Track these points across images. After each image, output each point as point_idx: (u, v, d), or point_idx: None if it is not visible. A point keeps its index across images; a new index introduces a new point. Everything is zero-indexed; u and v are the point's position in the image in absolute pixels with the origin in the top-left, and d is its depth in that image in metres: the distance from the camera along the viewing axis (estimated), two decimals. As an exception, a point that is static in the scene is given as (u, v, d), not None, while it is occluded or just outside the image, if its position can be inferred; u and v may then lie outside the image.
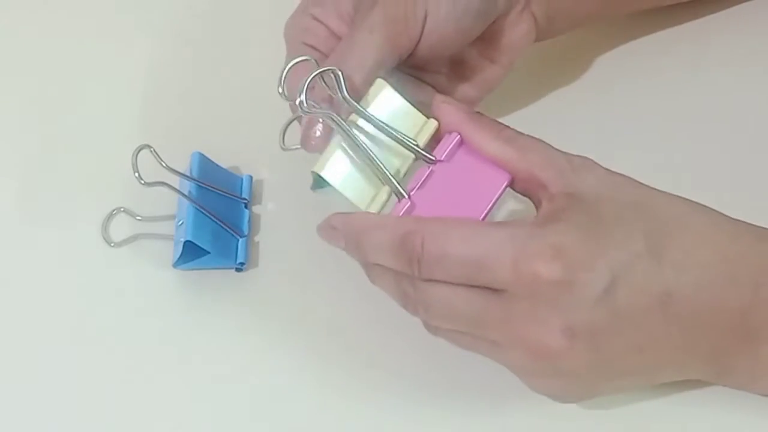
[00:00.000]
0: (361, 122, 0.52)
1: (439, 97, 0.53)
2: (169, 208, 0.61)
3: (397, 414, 0.55)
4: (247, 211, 0.62)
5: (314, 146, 0.52)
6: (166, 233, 0.61)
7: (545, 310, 0.47)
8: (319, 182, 0.54)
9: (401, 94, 0.53)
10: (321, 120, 0.52)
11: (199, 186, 0.61)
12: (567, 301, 0.46)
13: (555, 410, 0.52)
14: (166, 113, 0.68)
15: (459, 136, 0.51)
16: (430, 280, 0.48)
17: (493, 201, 0.51)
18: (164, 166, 0.58)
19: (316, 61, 0.52)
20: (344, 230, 0.51)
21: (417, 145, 0.52)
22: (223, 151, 0.64)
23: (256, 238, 0.62)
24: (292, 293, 0.60)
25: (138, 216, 0.63)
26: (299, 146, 0.54)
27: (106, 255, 0.62)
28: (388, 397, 0.55)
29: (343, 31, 0.56)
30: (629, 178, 0.50)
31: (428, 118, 0.52)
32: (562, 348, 0.47)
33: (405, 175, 0.52)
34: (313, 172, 0.52)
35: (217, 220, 0.60)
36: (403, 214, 0.51)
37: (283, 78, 0.51)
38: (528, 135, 0.51)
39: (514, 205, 0.59)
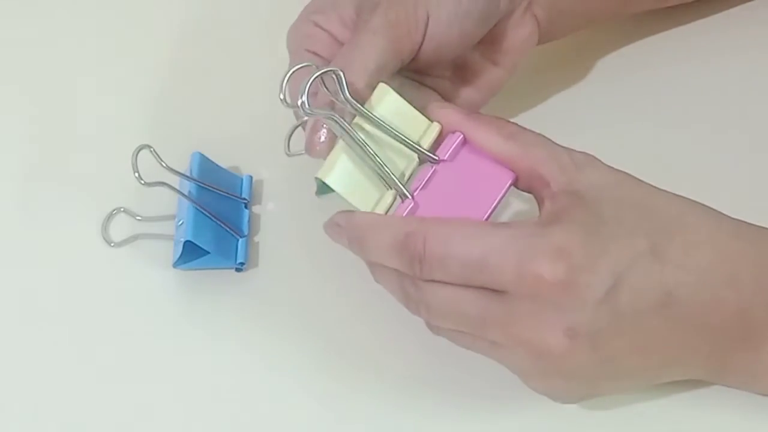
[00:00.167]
0: (365, 125, 0.51)
1: (435, 104, 0.53)
2: (169, 208, 0.61)
3: (398, 414, 0.55)
4: (247, 211, 0.62)
5: (319, 152, 0.52)
6: (166, 233, 0.61)
7: (547, 311, 0.47)
8: (324, 188, 0.54)
9: (404, 98, 0.52)
10: (324, 126, 0.52)
11: (199, 186, 0.61)
12: (569, 303, 0.46)
13: (555, 410, 0.52)
14: (166, 113, 0.68)
15: (462, 136, 0.51)
16: (432, 281, 0.48)
17: (497, 200, 0.51)
18: (164, 166, 0.58)
19: (317, 66, 0.52)
20: (347, 228, 0.51)
21: (419, 144, 0.51)
22: (223, 151, 0.64)
23: (256, 238, 0.62)
24: (292, 293, 0.60)
25: (138, 216, 0.63)
26: (304, 152, 0.54)
27: (106, 255, 0.62)
28: (389, 396, 0.55)
29: (346, 38, 0.56)
30: (630, 175, 0.50)
31: (431, 121, 0.52)
32: (564, 349, 0.47)
33: (409, 178, 0.52)
34: (317, 178, 0.52)
35: (217, 220, 0.60)
36: (406, 215, 0.51)
37: (284, 84, 0.51)
38: (530, 130, 0.51)
39: (518, 205, 0.59)
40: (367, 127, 0.51)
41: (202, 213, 0.59)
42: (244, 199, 0.63)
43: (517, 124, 0.51)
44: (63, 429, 0.56)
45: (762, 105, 0.65)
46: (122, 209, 0.63)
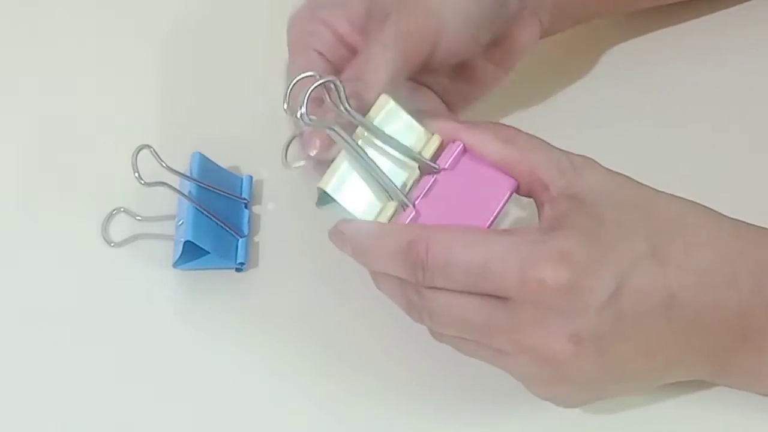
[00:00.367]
0: (365, 135, 0.51)
1: (431, 117, 0.53)
2: (169, 208, 0.61)
3: (398, 416, 0.55)
4: (247, 211, 0.62)
5: (318, 155, 0.52)
6: (166, 233, 0.61)
7: (551, 317, 0.47)
8: (325, 199, 0.54)
9: (405, 110, 0.52)
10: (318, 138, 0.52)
11: (199, 186, 0.61)
12: (573, 308, 0.46)
13: (557, 415, 0.52)
14: (166, 113, 0.68)
15: (462, 145, 0.51)
16: (435, 288, 0.48)
17: (499, 208, 0.50)
18: (164, 166, 0.58)
19: (317, 76, 0.52)
20: (350, 236, 0.51)
21: (420, 154, 0.51)
22: (223, 151, 0.64)
23: (256, 238, 0.62)
24: (292, 293, 0.59)
25: (138, 216, 0.63)
26: (302, 163, 0.54)
27: (106, 255, 0.62)
28: (389, 398, 0.55)
29: (353, 39, 0.55)
30: (629, 178, 0.50)
31: (432, 133, 0.52)
32: (568, 354, 0.47)
33: (410, 188, 0.52)
34: (318, 188, 0.52)
35: (217, 220, 0.60)
36: (408, 223, 0.51)
37: (287, 94, 0.51)
38: (528, 133, 0.51)
39: (517, 212, 0.59)
40: (368, 137, 0.51)
41: (202, 213, 0.59)
42: (244, 199, 0.63)
43: (514, 128, 0.51)
44: (63, 429, 0.56)
45: (762, 104, 0.65)
46: (122, 209, 0.63)
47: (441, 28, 0.54)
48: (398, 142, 0.51)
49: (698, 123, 0.64)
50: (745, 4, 0.69)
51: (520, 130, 0.51)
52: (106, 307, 0.60)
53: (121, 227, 0.62)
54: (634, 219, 0.48)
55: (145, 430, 0.56)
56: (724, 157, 0.62)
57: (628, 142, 0.63)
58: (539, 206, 0.50)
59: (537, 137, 0.51)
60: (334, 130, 0.50)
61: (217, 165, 0.63)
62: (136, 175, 0.56)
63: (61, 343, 0.59)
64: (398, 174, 0.52)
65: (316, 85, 0.50)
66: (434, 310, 0.49)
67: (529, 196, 0.51)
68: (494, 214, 0.50)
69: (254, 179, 0.64)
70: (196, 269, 0.60)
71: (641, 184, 0.50)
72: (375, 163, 0.51)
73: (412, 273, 0.48)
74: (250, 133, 0.65)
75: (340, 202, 0.51)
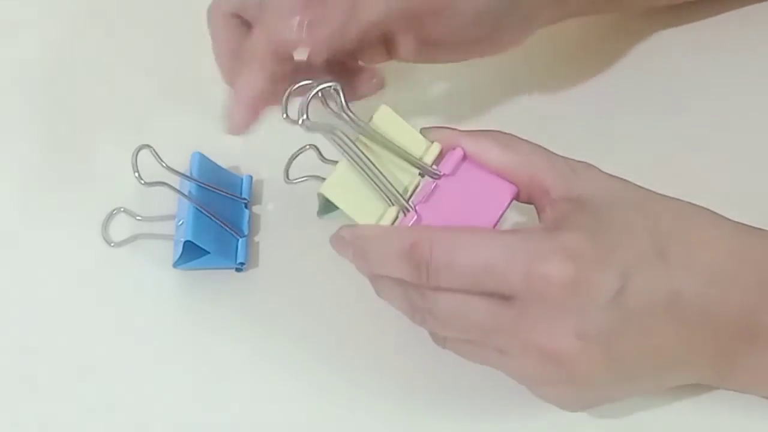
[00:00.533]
0: (366, 142, 0.51)
1: (430, 126, 0.53)
2: (169, 208, 0.61)
3: (398, 416, 0.55)
4: (247, 211, 0.62)
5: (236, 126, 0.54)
6: (166, 233, 0.61)
7: (557, 313, 0.47)
8: (325, 208, 0.54)
9: (405, 120, 0.53)
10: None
11: (199, 186, 0.61)
12: (579, 304, 0.46)
13: (560, 418, 0.52)
14: (166, 113, 0.68)
15: (462, 152, 0.51)
16: (438, 288, 0.48)
17: (500, 213, 0.51)
18: (164, 166, 0.58)
19: (316, 82, 0.52)
20: (352, 240, 0.51)
21: (423, 156, 0.52)
22: (223, 151, 0.64)
23: (256, 238, 0.62)
24: (292, 293, 0.60)
25: (138, 216, 0.63)
26: (304, 179, 0.54)
27: (106, 255, 0.62)
28: (389, 398, 0.55)
29: None
30: (628, 181, 0.50)
31: (432, 142, 0.52)
32: (575, 351, 0.47)
33: (411, 194, 0.52)
34: (319, 195, 0.52)
35: (217, 220, 0.60)
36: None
37: (284, 101, 0.52)
38: (527, 140, 0.51)
39: (516, 218, 0.59)
40: (369, 143, 0.51)
41: (202, 213, 0.60)
42: (244, 199, 0.63)
43: (514, 135, 0.51)
44: (62, 429, 0.56)
45: (763, 103, 0.65)
46: (122, 209, 0.63)
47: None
48: (399, 148, 0.51)
49: (699, 123, 0.64)
50: (744, 7, 0.69)
51: (519, 137, 0.51)
52: (106, 307, 0.60)
53: (121, 227, 0.62)
54: (637, 219, 0.48)
55: (144, 429, 0.56)
56: (725, 157, 0.62)
57: (628, 142, 0.63)
58: (540, 211, 0.50)
59: (536, 144, 0.51)
60: (335, 134, 0.50)
61: (217, 165, 0.63)
62: (136, 175, 0.56)
63: (61, 343, 0.59)
64: (399, 180, 0.52)
65: (316, 90, 0.50)
66: (438, 311, 0.49)
67: (529, 203, 0.51)
68: (496, 220, 0.51)
69: (254, 179, 0.64)
70: (196, 269, 0.60)
71: (640, 187, 0.50)
72: (376, 168, 0.51)
73: (415, 273, 0.48)
74: (250, 133, 0.65)
75: (341, 206, 0.51)
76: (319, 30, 0.53)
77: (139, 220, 0.63)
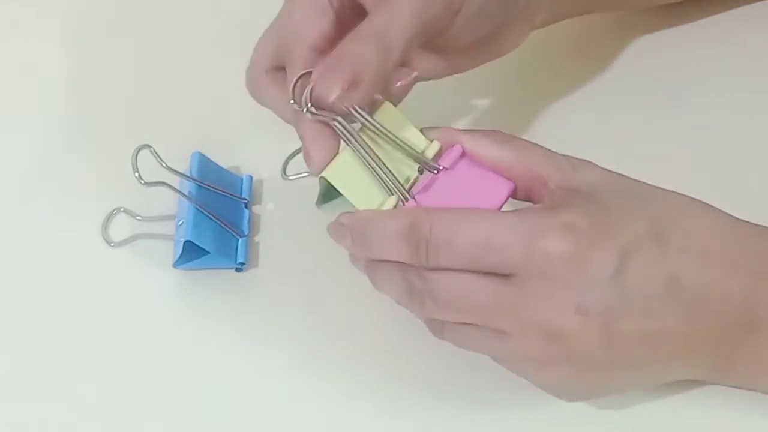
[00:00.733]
0: (368, 134, 0.52)
1: (429, 126, 0.53)
2: (169, 208, 0.61)
3: (399, 415, 0.55)
4: (247, 211, 0.62)
5: (315, 163, 0.52)
6: (166, 233, 0.61)
7: (556, 289, 0.47)
8: (324, 197, 0.54)
9: (407, 118, 0.53)
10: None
11: (199, 186, 0.61)
12: (579, 279, 0.46)
13: (558, 413, 0.52)
14: (166, 113, 0.68)
15: (461, 148, 0.52)
16: (438, 268, 0.48)
17: (497, 209, 0.51)
18: (164, 166, 0.58)
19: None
20: (351, 224, 0.51)
21: (422, 153, 0.52)
22: (223, 151, 0.64)
23: (256, 238, 0.62)
24: (292, 293, 0.60)
25: (138, 216, 0.63)
26: (301, 175, 0.54)
27: (106, 255, 0.62)
28: (390, 397, 0.55)
29: None
30: (626, 176, 0.51)
31: (431, 140, 0.53)
32: (575, 328, 0.47)
33: (411, 187, 0.52)
34: (320, 180, 0.52)
35: (217, 220, 0.60)
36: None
37: (291, 88, 0.52)
38: (525, 139, 0.52)
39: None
40: (371, 136, 0.52)
41: (202, 213, 0.60)
42: (244, 199, 0.63)
43: (512, 135, 0.52)
44: (62, 429, 0.56)
45: (761, 102, 0.65)
46: (122, 209, 0.63)
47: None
48: (400, 141, 0.52)
49: (698, 121, 0.64)
50: (745, 7, 0.69)
51: (516, 137, 0.52)
52: (106, 307, 0.60)
53: (121, 227, 0.62)
54: (634, 204, 0.49)
55: (144, 429, 0.56)
56: (724, 158, 0.62)
57: (627, 141, 0.63)
58: (538, 202, 0.50)
59: (533, 142, 0.51)
60: (338, 122, 0.50)
61: (217, 165, 0.63)
62: (136, 175, 0.56)
63: (61, 343, 0.59)
64: (399, 173, 0.52)
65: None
66: (437, 292, 0.49)
67: (528, 200, 0.51)
68: None
69: (254, 179, 0.64)
70: (196, 269, 0.60)
71: (639, 180, 0.50)
72: (377, 157, 0.51)
73: (414, 252, 0.48)
74: (250, 133, 0.65)
75: (342, 191, 0.51)
76: (355, 93, 0.51)
77: (139, 220, 0.63)
